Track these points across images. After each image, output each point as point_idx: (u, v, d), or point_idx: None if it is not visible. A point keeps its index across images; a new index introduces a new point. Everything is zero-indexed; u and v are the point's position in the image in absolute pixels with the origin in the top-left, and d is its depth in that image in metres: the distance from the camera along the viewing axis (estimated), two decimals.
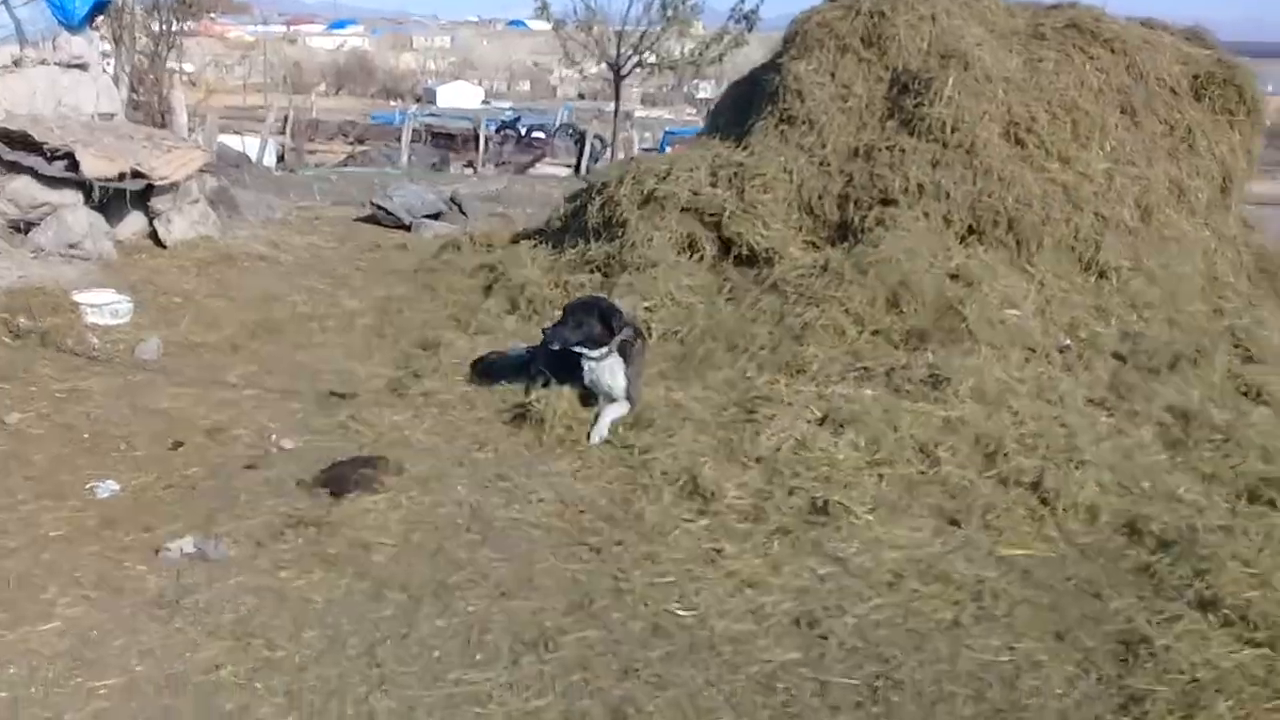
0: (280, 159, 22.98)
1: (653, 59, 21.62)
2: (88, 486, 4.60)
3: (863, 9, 7.63)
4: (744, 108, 7.87)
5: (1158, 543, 4.45)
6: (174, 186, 8.91)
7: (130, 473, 4.78)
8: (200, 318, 7.15)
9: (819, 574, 4.16)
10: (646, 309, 6.56)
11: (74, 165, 7.89)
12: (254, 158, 18.89)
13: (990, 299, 6.38)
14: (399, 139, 29.17)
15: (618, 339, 5.51)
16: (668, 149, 33.79)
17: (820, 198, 7.08)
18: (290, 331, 7.03)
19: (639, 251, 6.93)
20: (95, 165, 7.96)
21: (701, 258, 6.95)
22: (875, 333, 6.19)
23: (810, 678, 3.51)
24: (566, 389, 5.56)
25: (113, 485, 4.60)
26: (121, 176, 8.25)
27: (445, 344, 6.61)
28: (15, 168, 7.90)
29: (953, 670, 3.56)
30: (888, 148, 7.11)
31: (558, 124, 31.74)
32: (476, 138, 28.28)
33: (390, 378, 6.28)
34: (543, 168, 26.76)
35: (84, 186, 8.11)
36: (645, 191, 7.21)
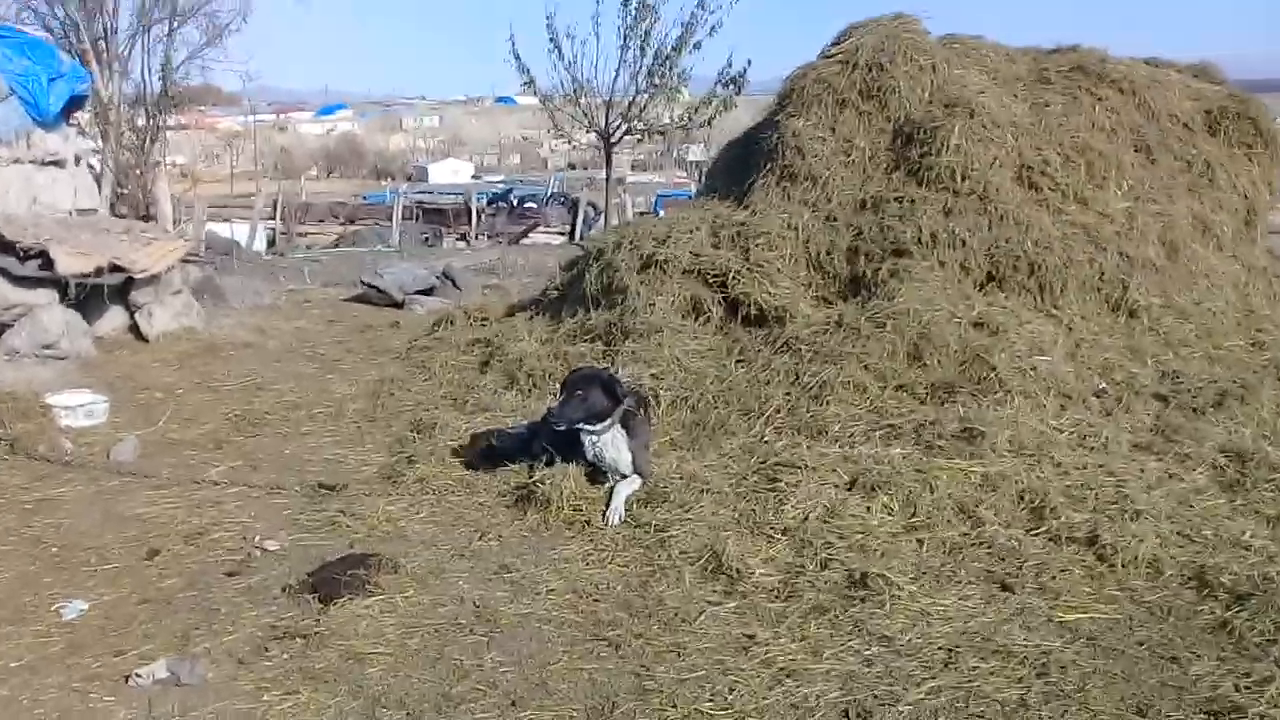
0: (270, 244, 22.80)
1: (641, 126, 21.55)
2: (54, 608, 4.18)
3: (860, 63, 7.40)
4: (741, 167, 7.59)
5: (1231, 596, 4.07)
6: (155, 279, 8.60)
7: (100, 589, 4.37)
8: (181, 413, 6.77)
9: (864, 656, 3.75)
10: (653, 376, 6.20)
11: (49, 264, 7.58)
12: (243, 244, 18.68)
13: (1018, 346, 6.04)
14: (390, 217, 29.12)
15: (619, 410, 5.14)
16: (660, 212, 33.84)
17: (828, 252, 6.76)
18: (276, 422, 6.65)
19: (641, 317, 6.57)
20: (70, 262, 7.65)
21: (707, 320, 6.60)
22: (899, 388, 5.84)
23: None
24: (573, 467, 5.17)
25: (80, 605, 4.18)
26: (99, 271, 7.94)
27: (440, 425, 6.23)
28: None
29: None
30: (896, 199, 6.83)
31: (549, 193, 31.75)
32: (469, 211, 28.17)
33: (383, 464, 5.90)
34: (536, 236, 26.62)
35: (59, 285, 7.80)
36: (644, 256, 6.88)
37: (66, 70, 8.91)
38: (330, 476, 5.66)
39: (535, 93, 22.17)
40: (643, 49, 21.19)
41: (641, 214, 27.28)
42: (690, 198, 32.09)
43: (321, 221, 28.77)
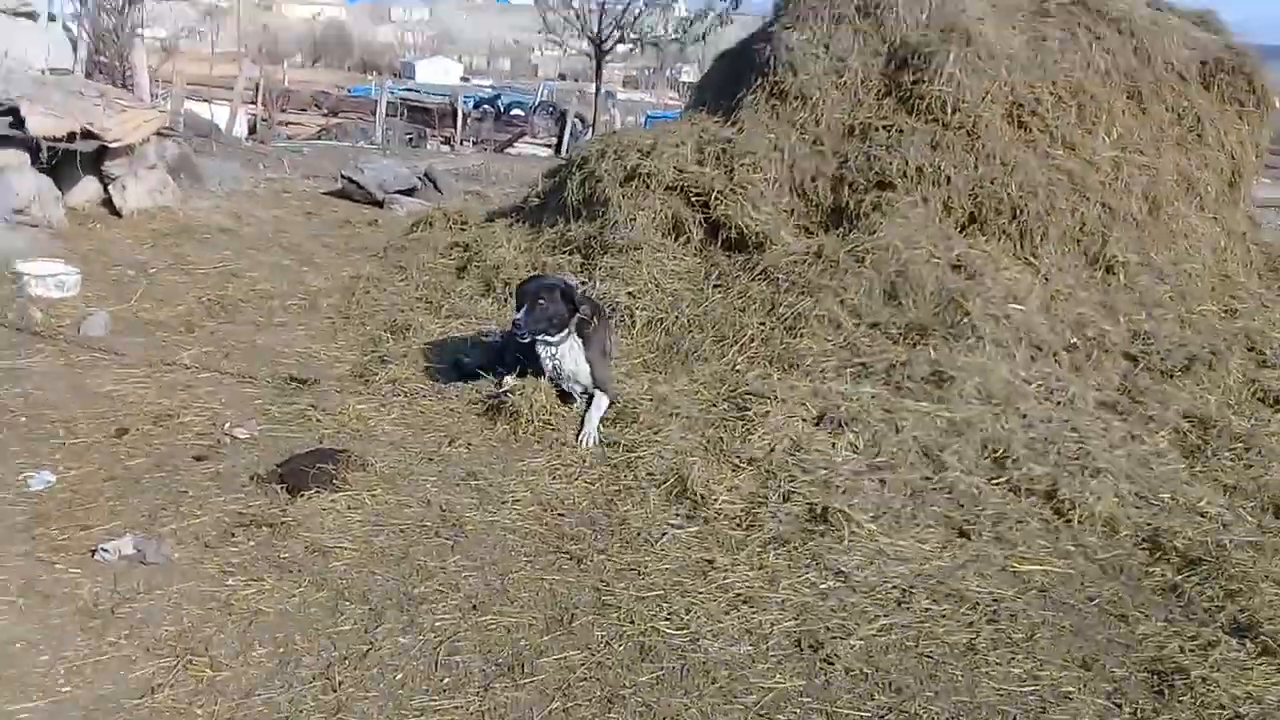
0: (251, 130, 22.32)
1: (634, 35, 21.16)
2: (20, 477, 4.17)
3: None
4: (733, 81, 7.46)
5: (1183, 560, 4.16)
6: (129, 150, 8.41)
7: (68, 462, 4.36)
8: (153, 293, 6.69)
9: (820, 589, 3.83)
10: (629, 295, 6.19)
11: (19, 123, 7.38)
12: (222, 127, 18.28)
13: (993, 292, 6.07)
14: (374, 113, 28.56)
15: (575, 319, 5.12)
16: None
17: (813, 179, 6.72)
18: (249, 311, 6.60)
19: (621, 233, 6.53)
20: (42, 123, 7.45)
21: (687, 241, 6.57)
22: (873, 325, 5.86)
23: (815, 708, 3.18)
24: (544, 381, 5.19)
25: (47, 476, 4.18)
26: (71, 137, 7.73)
27: (415, 327, 6.23)
28: None
29: (972, 702, 3.24)
30: (885, 127, 6.76)
31: (537, 102, 31.23)
32: (454, 113, 27.65)
33: (356, 363, 5.90)
34: (522, 146, 26.23)
35: (30, 146, 7.60)
36: (628, 168, 6.80)
37: None
38: (302, 370, 5.66)
39: None
40: None
41: None
42: (674, 118, 31.60)
43: (303, 111, 28.19)
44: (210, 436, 4.75)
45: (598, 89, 23.16)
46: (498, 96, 39.90)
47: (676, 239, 6.58)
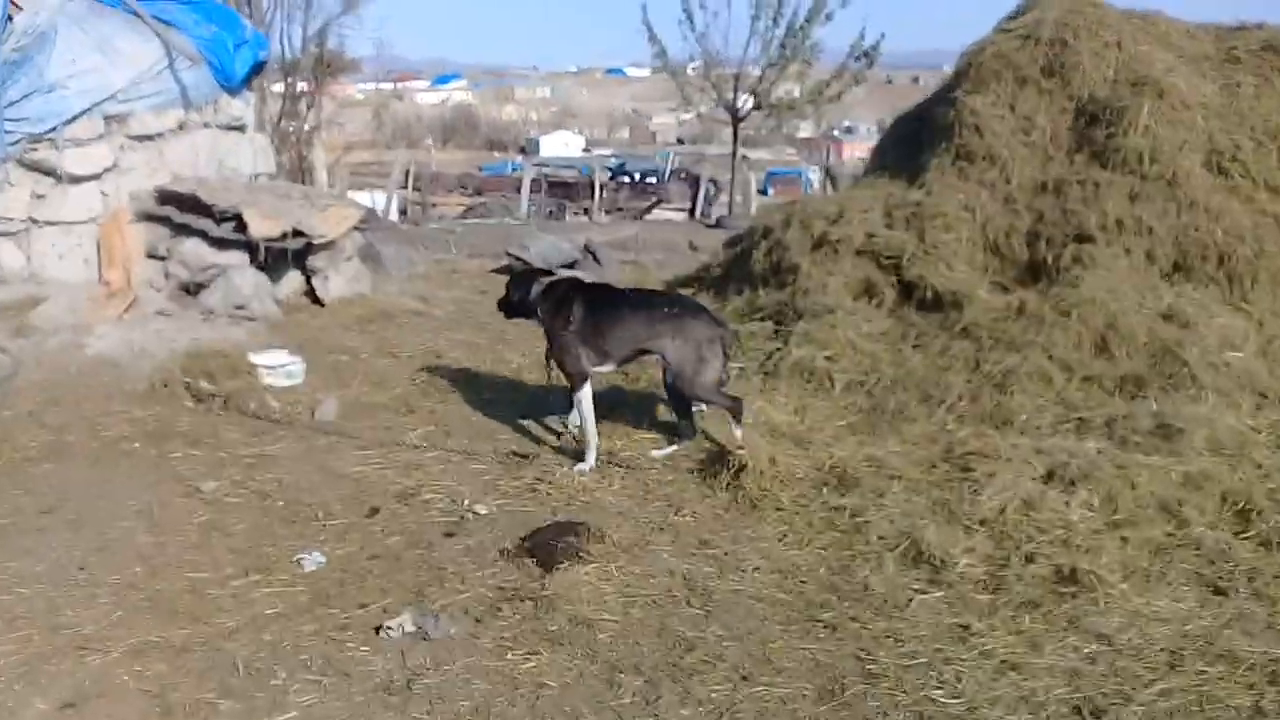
0: (402, 213, 23.39)
1: (772, 102, 21.43)
2: (294, 559, 4.46)
3: (1042, 38, 7.28)
4: (912, 145, 7.56)
5: None
6: (331, 244, 8.96)
7: (332, 543, 4.65)
8: (369, 376, 7.08)
9: (1085, 654, 3.78)
10: (827, 359, 6.25)
11: (242, 227, 7.97)
12: (379, 212, 19.22)
13: (1208, 340, 5.94)
14: (516, 189, 29.55)
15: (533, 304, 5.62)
16: (770, 190, 33.65)
17: (1007, 236, 6.72)
18: (461, 389, 6.90)
19: (813, 298, 6.63)
20: (261, 226, 8.03)
21: (880, 303, 6.64)
22: (1086, 380, 5.80)
23: None
24: (763, 445, 5.28)
25: (319, 557, 4.46)
26: (284, 236, 8.30)
27: (617, 400, 6.40)
28: (186, 230, 8.01)
29: None
30: (1079, 182, 6.73)
31: (669, 169, 31.81)
32: (591, 185, 28.39)
33: (568, 435, 6.10)
34: (658, 212, 26.72)
35: (250, 247, 8.19)
36: (815, 235, 6.94)
37: (249, 37, 9.27)
38: (521, 445, 5.89)
39: (665, 64, 22.23)
40: (775, 20, 21.08)
41: (760, 192, 27.17)
42: (800, 175, 31.24)
43: (450, 192, 29.38)
44: (453, 512, 4.99)
45: (735, 152, 23.49)
46: (622, 165, 40.78)
47: (869, 301, 6.65)
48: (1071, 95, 7.13)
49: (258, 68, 9.58)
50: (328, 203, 9.02)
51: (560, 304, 5.58)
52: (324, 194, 10.08)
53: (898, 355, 6.22)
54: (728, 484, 5.16)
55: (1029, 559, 4.38)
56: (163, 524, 4.80)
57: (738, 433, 5.40)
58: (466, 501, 5.09)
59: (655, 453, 5.63)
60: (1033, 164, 6.95)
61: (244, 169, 9.38)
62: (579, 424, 5.45)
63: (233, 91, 9.24)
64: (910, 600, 4.16)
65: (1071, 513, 4.70)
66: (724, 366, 5.48)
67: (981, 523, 4.67)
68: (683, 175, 30.71)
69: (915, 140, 7.58)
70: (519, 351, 7.89)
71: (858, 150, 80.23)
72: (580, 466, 5.42)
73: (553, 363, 5.68)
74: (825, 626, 3.98)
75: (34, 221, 8.16)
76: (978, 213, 6.78)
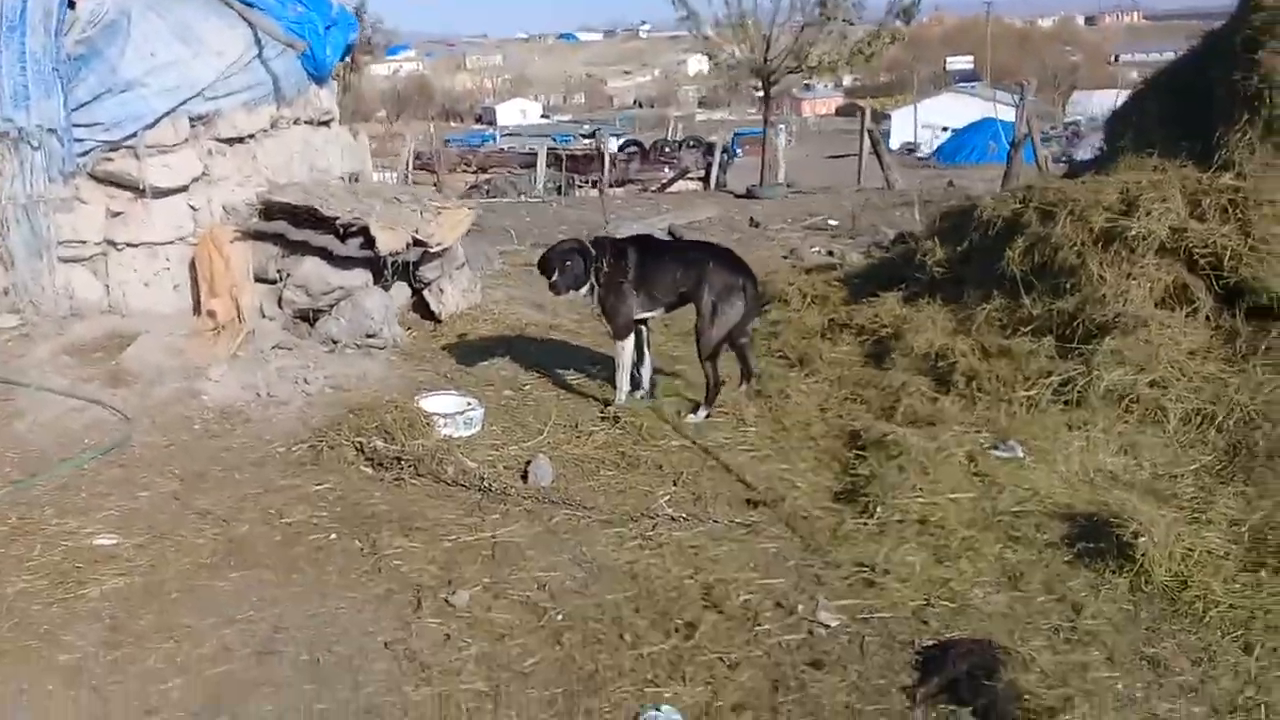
0: None
1: (812, 62, 20.22)
2: (638, 716, 3.31)
3: None
4: (1180, 119, 6.37)
5: None
6: (443, 252, 7.72)
7: (671, 686, 3.49)
8: (553, 417, 5.89)
9: None
10: (1152, 384, 5.15)
11: (369, 242, 6.70)
12: None
13: None
14: (520, 165, 28.24)
15: (591, 270, 5.84)
16: (739, 151, 32.39)
17: None
18: (664, 428, 5.70)
19: (1111, 308, 5.49)
20: (387, 239, 6.77)
21: (1193, 312, 5.51)
22: None
23: None
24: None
25: (671, 716, 3.31)
26: (406, 248, 7.07)
27: (875, 438, 5.24)
28: (302, 248, 6.73)
29: None
30: None
31: (678, 138, 30.60)
32: (600, 157, 27.08)
33: (830, 487, 5.00)
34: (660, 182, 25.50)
35: (373, 265, 6.94)
36: (1096, 229, 5.77)
37: (337, 16, 7.93)
38: (788, 506, 4.75)
39: (697, 26, 20.97)
40: None
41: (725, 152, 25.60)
42: (760, 134, 29.84)
43: (451, 170, 27.91)
44: (793, 625, 3.85)
45: (765, 120, 22.32)
46: (596, 131, 39.41)
47: (1178, 309, 5.53)
48: None
49: (348, 51, 8.25)
50: (439, 205, 7.75)
51: (618, 256, 5.88)
52: (433, 195, 8.79)
53: (1244, 377, 5.10)
54: (1119, 567, 4.07)
55: None
56: (429, 664, 3.62)
57: (690, 418, 5.74)
58: (800, 607, 3.95)
59: (690, 417, 5.75)
60: None
61: (334, 169, 8.09)
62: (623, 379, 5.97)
63: (321, 80, 7.93)
64: None
65: None
66: (743, 319, 5.82)
67: None
68: (693, 143, 29.47)
69: (1179, 114, 6.39)
70: (687, 362, 6.73)
71: (818, 108, 79.19)
72: (616, 399, 5.95)
73: (602, 315, 6.05)
74: None
75: (111, 244, 6.86)
76: None
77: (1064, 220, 5.89)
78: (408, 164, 22.23)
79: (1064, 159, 22.53)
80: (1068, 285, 5.76)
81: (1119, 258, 5.64)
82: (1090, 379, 5.20)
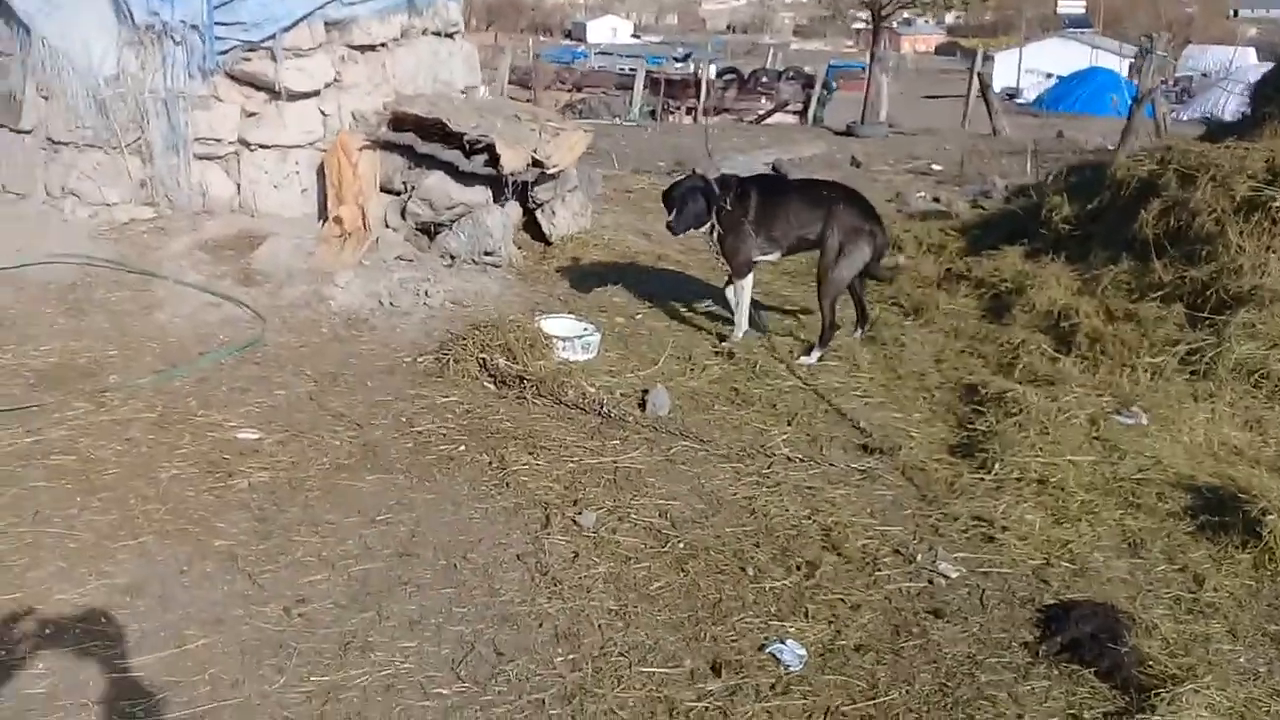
0: None
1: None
2: (765, 649, 3.42)
3: None
4: None
5: None
6: (558, 174, 7.77)
7: (792, 620, 3.60)
8: (670, 348, 5.96)
9: None
10: None
11: (494, 159, 6.78)
12: None
13: None
14: (617, 86, 28.00)
15: (714, 212, 5.86)
16: (834, 84, 31.62)
17: None
18: (779, 366, 5.77)
19: (1249, 279, 5.38)
20: (512, 158, 6.84)
21: None
22: None
23: None
24: None
25: (796, 650, 3.42)
26: (524, 168, 7.13)
27: (999, 394, 5.24)
28: (428, 161, 6.84)
29: None
30: None
31: (780, 68, 30.02)
32: (697, 83, 26.75)
33: (947, 440, 5.02)
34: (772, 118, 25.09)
35: (494, 183, 7.02)
36: (1238, 198, 5.62)
37: None
38: (904, 456, 4.79)
39: None
40: None
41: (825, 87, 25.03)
42: (861, 68, 28.89)
43: (546, 88, 27.77)
44: (909, 570, 3.92)
45: (873, 55, 21.81)
46: (689, 55, 38.80)
47: None
48: None
49: None
50: (557, 126, 7.78)
51: (741, 196, 5.84)
52: (550, 114, 8.82)
53: None
54: (1243, 543, 4.06)
55: None
56: (560, 580, 3.76)
57: (804, 359, 5.80)
58: (920, 557, 4.02)
59: (804, 359, 5.81)
60: None
61: (457, 82, 8.14)
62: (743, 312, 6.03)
63: None
64: None
65: None
66: (869, 265, 5.79)
67: None
68: (791, 75, 28.92)
69: None
70: (797, 303, 6.74)
71: (918, 44, 76.67)
72: (734, 335, 6.03)
73: (721, 255, 6.02)
74: None
75: (244, 144, 7.02)
76: None
77: (1205, 185, 5.75)
78: (505, 80, 22.10)
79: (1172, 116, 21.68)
80: (1203, 253, 5.64)
81: (1260, 228, 5.51)
82: (1220, 350, 5.12)
